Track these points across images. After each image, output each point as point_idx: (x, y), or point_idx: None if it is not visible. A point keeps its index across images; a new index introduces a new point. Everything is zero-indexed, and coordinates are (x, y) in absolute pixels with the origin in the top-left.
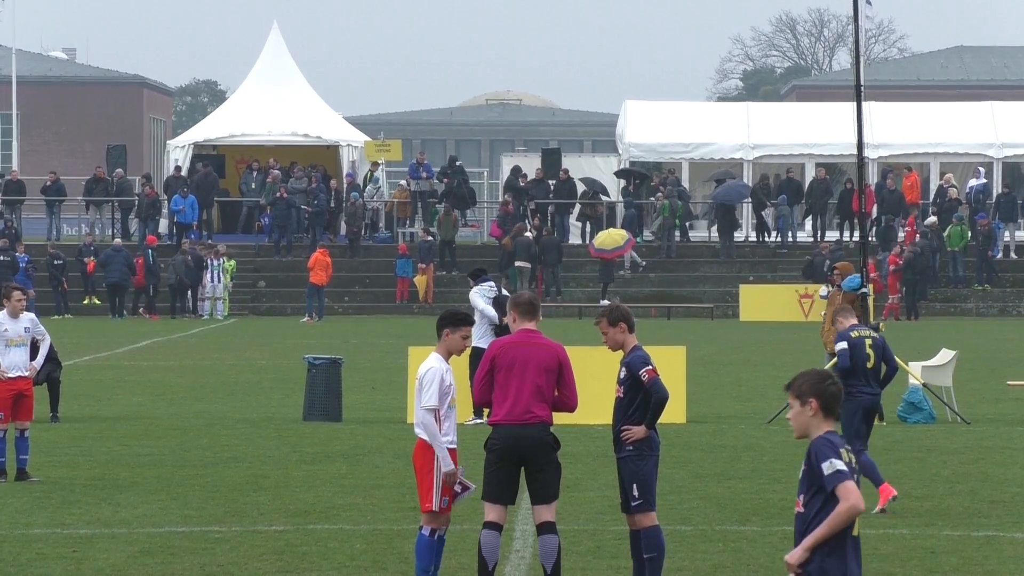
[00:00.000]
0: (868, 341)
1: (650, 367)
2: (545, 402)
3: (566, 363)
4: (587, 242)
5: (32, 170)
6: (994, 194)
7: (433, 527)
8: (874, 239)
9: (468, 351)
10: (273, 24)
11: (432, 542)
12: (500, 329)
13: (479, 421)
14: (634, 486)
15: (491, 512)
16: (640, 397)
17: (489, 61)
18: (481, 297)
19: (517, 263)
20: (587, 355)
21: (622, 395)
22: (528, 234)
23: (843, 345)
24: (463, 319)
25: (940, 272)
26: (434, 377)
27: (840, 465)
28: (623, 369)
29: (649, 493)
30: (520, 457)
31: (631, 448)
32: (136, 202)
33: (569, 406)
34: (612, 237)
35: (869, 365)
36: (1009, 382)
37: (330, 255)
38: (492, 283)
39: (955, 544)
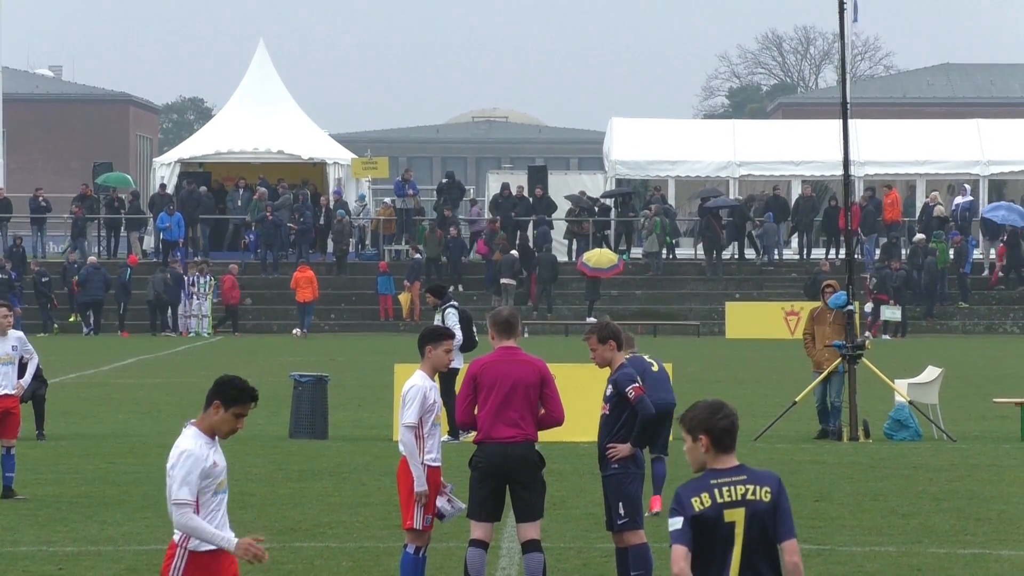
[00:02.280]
0: (645, 356)
1: (636, 385)
2: (529, 419)
3: (548, 378)
4: (573, 259)
5: (19, 188)
6: (980, 212)
7: (418, 545)
8: (859, 256)
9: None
10: (259, 42)
11: (417, 560)
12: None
13: (451, 440)
14: (619, 504)
15: (477, 530)
16: (626, 415)
17: (475, 78)
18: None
19: (502, 280)
20: (573, 372)
21: (608, 412)
22: (514, 252)
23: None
24: (443, 333)
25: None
26: (416, 394)
27: (675, 524)
28: (610, 386)
29: (635, 511)
30: (505, 475)
31: (616, 466)
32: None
33: (555, 420)
34: (606, 255)
35: (655, 369)
36: (995, 399)
37: (313, 272)
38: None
39: (941, 562)
